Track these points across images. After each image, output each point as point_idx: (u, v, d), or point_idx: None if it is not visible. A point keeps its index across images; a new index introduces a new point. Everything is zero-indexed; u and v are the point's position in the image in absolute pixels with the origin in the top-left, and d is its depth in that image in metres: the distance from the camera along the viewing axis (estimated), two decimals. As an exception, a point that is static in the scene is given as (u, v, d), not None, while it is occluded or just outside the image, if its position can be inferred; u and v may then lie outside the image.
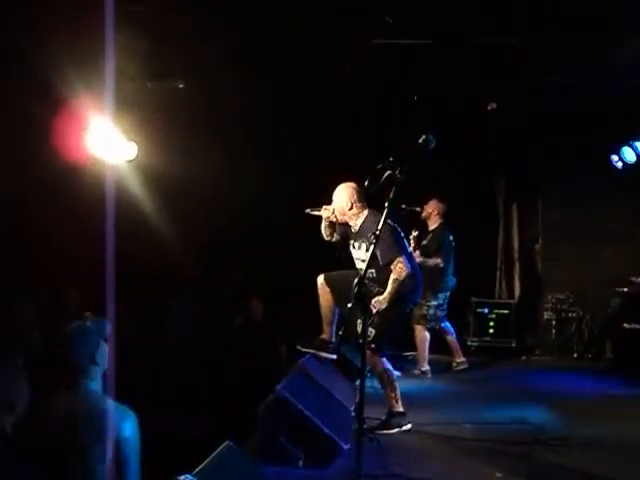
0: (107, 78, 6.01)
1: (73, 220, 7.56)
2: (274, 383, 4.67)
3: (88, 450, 2.86)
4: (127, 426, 2.95)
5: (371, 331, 4.74)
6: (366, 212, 5.22)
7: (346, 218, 5.29)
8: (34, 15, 5.52)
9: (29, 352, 4.89)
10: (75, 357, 3.02)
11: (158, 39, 6.33)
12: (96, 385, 3.06)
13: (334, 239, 5.46)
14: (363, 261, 5.01)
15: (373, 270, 5.04)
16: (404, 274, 4.93)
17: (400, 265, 4.92)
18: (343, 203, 5.25)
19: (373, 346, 4.97)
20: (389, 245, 4.92)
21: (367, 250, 4.97)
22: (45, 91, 6.24)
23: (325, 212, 5.34)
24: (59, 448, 2.85)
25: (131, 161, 7.78)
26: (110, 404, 2.99)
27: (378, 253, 4.72)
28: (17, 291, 6.68)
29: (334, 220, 5.34)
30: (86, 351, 3.02)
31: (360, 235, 5.22)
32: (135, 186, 7.99)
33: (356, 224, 5.26)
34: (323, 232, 5.47)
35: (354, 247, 5.32)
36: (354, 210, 5.24)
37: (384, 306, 4.91)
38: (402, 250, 5.05)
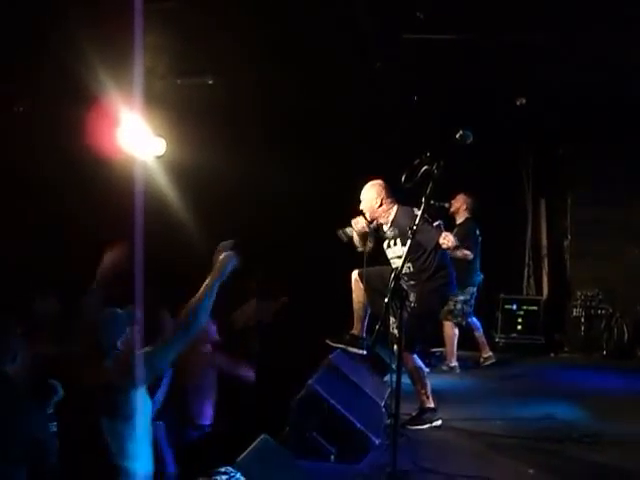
0: (137, 76, 6.07)
1: (104, 214, 7.63)
2: (303, 379, 4.70)
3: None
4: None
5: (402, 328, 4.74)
6: (396, 207, 5.24)
7: (377, 216, 5.29)
8: (65, 15, 5.58)
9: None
10: (100, 341, 3.30)
11: (187, 36, 6.38)
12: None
13: (368, 248, 5.39)
14: (399, 257, 5.03)
15: (410, 265, 5.07)
16: (451, 244, 4.92)
17: (445, 239, 4.90)
18: (372, 201, 5.26)
19: (404, 343, 4.95)
20: (429, 230, 4.94)
21: (403, 244, 4.99)
22: (77, 89, 6.31)
23: (357, 225, 5.30)
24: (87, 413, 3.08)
25: (160, 157, 7.84)
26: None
27: (423, 242, 4.81)
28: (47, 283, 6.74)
29: (367, 226, 5.29)
30: (111, 336, 3.29)
31: (394, 231, 5.22)
32: (164, 181, 8.04)
33: (388, 221, 5.27)
34: (357, 244, 5.40)
35: (389, 246, 5.32)
36: (384, 207, 5.25)
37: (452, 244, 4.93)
38: (442, 232, 5.06)
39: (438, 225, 5.39)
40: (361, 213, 5.36)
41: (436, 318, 5.13)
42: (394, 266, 5.20)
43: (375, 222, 5.35)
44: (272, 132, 8.30)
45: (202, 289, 3.33)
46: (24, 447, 3.12)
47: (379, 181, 5.31)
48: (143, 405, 3.22)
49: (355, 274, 5.42)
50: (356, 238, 5.40)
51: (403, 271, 4.80)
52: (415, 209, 4.77)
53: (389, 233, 5.28)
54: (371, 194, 5.28)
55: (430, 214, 5.01)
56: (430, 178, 3.59)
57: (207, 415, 5.34)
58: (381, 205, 5.24)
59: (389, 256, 5.34)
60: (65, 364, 3.60)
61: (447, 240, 4.90)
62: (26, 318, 5.14)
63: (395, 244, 5.24)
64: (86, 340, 3.40)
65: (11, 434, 3.09)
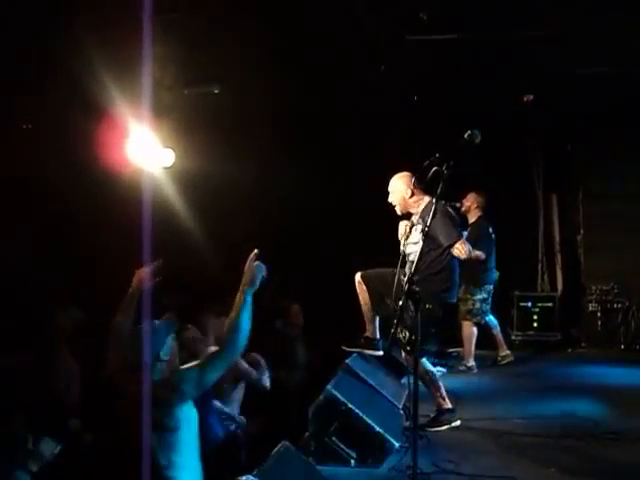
0: (145, 87, 6.10)
1: (113, 225, 7.66)
2: (321, 384, 4.70)
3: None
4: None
5: (405, 334, 4.70)
6: (427, 198, 5.05)
7: (409, 207, 5.18)
8: (74, 28, 5.62)
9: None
10: (142, 354, 3.26)
11: (192, 45, 6.41)
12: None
13: None
14: (415, 243, 4.92)
15: (426, 259, 4.94)
16: (463, 256, 4.88)
17: (461, 246, 4.85)
18: (403, 192, 5.15)
19: (409, 348, 4.89)
20: (451, 226, 4.90)
21: (422, 232, 4.85)
22: (86, 102, 6.35)
23: (404, 227, 5.21)
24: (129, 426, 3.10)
25: (168, 168, 7.86)
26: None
27: (440, 236, 4.77)
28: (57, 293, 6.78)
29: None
30: (152, 349, 3.28)
31: (420, 220, 5.02)
32: (172, 192, 8.07)
33: (418, 211, 5.11)
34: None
35: (407, 237, 5.12)
36: (415, 197, 5.12)
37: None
38: (462, 233, 5.02)
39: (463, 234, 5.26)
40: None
41: (437, 321, 5.05)
42: (407, 251, 5.07)
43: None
44: (280, 138, 8.32)
45: (237, 301, 3.33)
46: None
47: (406, 172, 5.19)
48: (190, 416, 3.25)
49: (358, 276, 5.35)
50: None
51: (411, 259, 4.75)
52: (447, 204, 4.75)
53: (415, 221, 5.11)
54: (400, 185, 5.17)
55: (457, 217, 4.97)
56: (440, 179, 3.58)
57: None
58: (412, 195, 5.12)
59: (406, 251, 5.12)
60: (111, 378, 3.61)
61: (461, 249, 4.85)
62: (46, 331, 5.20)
63: (416, 230, 5.05)
64: (127, 354, 3.39)
65: None
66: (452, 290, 5.16)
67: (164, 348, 3.36)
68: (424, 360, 5.15)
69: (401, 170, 5.23)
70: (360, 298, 5.40)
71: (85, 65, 5.91)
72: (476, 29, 6.03)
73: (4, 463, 3.25)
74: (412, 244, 5.06)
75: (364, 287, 5.33)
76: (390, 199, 5.24)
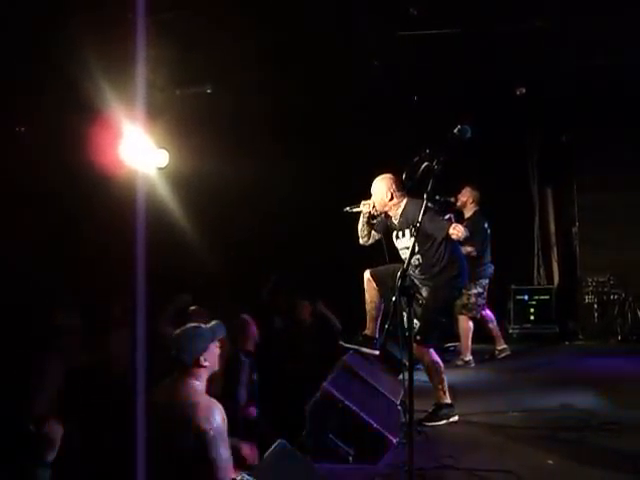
0: (139, 88, 6.09)
1: (107, 227, 7.65)
2: (319, 381, 4.70)
3: (175, 437, 3.09)
4: (216, 417, 3.13)
5: (416, 323, 4.74)
6: (405, 200, 5.24)
7: (387, 209, 5.31)
8: (68, 29, 5.62)
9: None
10: (179, 357, 3.24)
11: (184, 46, 6.40)
12: (199, 384, 3.27)
13: (370, 241, 5.47)
14: (408, 248, 5.01)
15: (420, 257, 5.11)
16: (461, 235, 4.92)
17: (454, 229, 4.89)
18: (383, 194, 5.27)
19: (419, 338, 4.97)
20: (438, 220, 5.00)
21: (412, 235, 5.00)
22: (80, 103, 6.35)
23: (365, 207, 5.36)
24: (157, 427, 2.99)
25: (163, 168, 7.86)
26: (204, 398, 3.22)
27: (432, 231, 4.87)
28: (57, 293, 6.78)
29: (374, 214, 5.35)
30: (191, 353, 3.24)
31: (402, 222, 5.23)
32: (167, 193, 8.06)
33: (397, 213, 5.28)
34: (360, 233, 5.47)
35: (397, 237, 5.33)
36: (394, 200, 5.26)
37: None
38: (448, 218, 5.11)
39: (448, 218, 5.41)
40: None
41: (450, 311, 5.12)
42: (403, 257, 5.23)
43: (382, 215, 5.38)
44: (276, 138, 8.31)
45: None
46: None
47: (389, 174, 5.32)
48: None
49: (367, 274, 5.43)
50: (361, 223, 5.43)
51: (413, 263, 4.81)
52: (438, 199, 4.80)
53: (397, 225, 5.28)
54: (382, 187, 5.29)
55: (439, 209, 5.02)
56: (431, 174, 3.59)
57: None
58: (392, 199, 5.26)
59: (398, 247, 5.35)
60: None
61: (457, 230, 4.89)
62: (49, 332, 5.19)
63: (404, 235, 5.25)
64: (166, 355, 3.36)
65: None
66: (463, 275, 5.29)
67: (206, 353, 3.32)
68: (431, 351, 5.20)
69: (398, 168, 5.27)
70: (367, 295, 5.46)
71: (79, 66, 5.91)
72: (468, 23, 6.03)
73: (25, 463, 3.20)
74: (405, 249, 5.17)
75: (373, 285, 5.40)
76: (371, 200, 5.35)
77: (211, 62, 6.89)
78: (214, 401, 3.23)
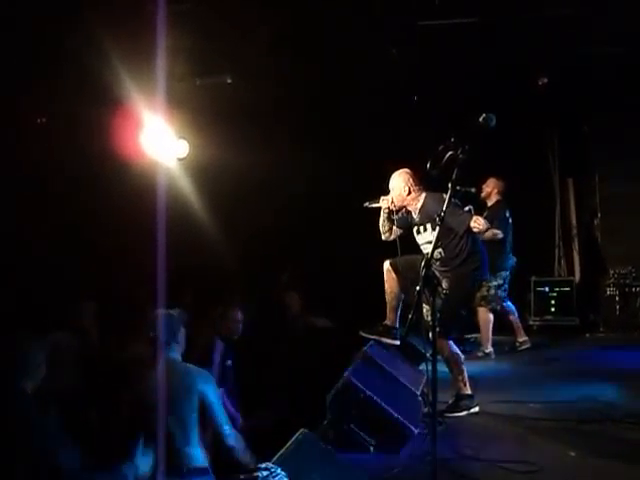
0: (159, 78, 6.12)
1: (127, 217, 7.70)
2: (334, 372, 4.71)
3: (179, 402, 3.56)
4: (209, 384, 3.72)
5: (437, 315, 4.72)
6: (424, 194, 5.26)
7: (405, 204, 5.33)
8: (88, 22, 5.64)
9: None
10: (162, 335, 3.80)
11: (203, 36, 6.40)
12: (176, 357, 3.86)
13: (392, 237, 5.46)
14: (429, 243, 5.03)
15: (442, 250, 5.10)
16: (482, 228, 4.95)
17: (475, 222, 4.91)
18: (401, 189, 5.30)
19: (439, 330, 4.94)
20: (459, 214, 4.98)
21: (433, 230, 5.00)
22: (100, 93, 6.38)
23: (384, 202, 5.36)
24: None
25: (183, 159, 7.88)
26: (190, 366, 3.82)
27: (453, 225, 4.87)
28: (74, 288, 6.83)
29: (393, 209, 5.34)
30: (171, 332, 3.84)
31: (423, 217, 5.24)
32: (187, 183, 8.09)
33: (416, 208, 5.29)
34: (381, 229, 5.46)
35: (419, 232, 5.33)
36: (412, 194, 5.28)
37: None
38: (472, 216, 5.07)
39: (469, 210, 5.40)
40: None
41: (470, 303, 5.11)
42: (425, 252, 5.22)
43: (403, 210, 5.36)
44: (295, 128, 8.29)
45: None
46: (36, 463, 3.19)
47: (406, 169, 5.35)
48: None
49: (387, 264, 5.44)
50: (382, 218, 5.43)
51: (435, 257, 4.81)
52: (444, 194, 4.77)
53: (418, 219, 5.29)
54: (399, 182, 5.31)
55: (459, 200, 5.00)
56: (455, 163, 3.56)
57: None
58: (410, 193, 5.28)
59: (419, 242, 5.36)
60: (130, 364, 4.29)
61: (478, 223, 4.91)
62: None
63: (425, 230, 5.26)
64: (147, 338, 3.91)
65: (24, 450, 3.15)
66: (484, 267, 5.28)
67: (179, 333, 3.92)
68: (451, 343, 5.20)
69: (418, 159, 5.25)
70: (386, 286, 5.48)
71: (99, 57, 5.93)
72: (489, 12, 5.97)
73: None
74: (427, 244, 5.16)
75: (393, 275, 5.42)
76: (390, 195, 5.35)
77: (230, 52, 6.87)
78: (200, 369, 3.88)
